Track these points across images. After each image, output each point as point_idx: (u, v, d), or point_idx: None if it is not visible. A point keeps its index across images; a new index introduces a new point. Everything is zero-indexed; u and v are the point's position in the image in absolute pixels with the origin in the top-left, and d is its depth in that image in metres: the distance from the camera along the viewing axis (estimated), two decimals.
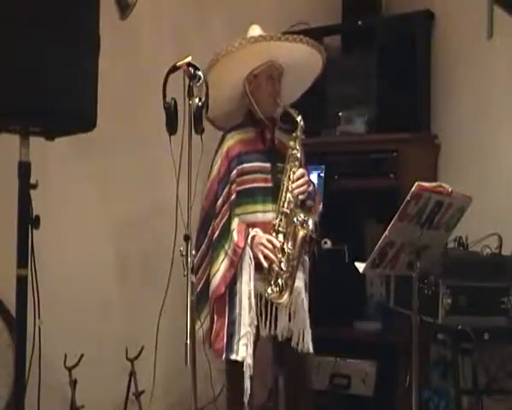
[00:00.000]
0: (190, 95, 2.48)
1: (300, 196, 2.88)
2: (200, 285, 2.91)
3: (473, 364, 3.26)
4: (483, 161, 3.64)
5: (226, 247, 2.86)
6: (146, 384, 3.31)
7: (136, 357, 3.48)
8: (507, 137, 3.52)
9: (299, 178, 2.88)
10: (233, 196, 2.89)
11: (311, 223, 2.81)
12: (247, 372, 2.81)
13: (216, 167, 2.94)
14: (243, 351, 2.81)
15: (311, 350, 2.96)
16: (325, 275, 3.71)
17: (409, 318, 2.84)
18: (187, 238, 2.46)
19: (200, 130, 2.48)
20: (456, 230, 2.98)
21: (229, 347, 2.83)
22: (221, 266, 2.87)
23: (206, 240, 2.92)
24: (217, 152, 2.98)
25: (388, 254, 2.74)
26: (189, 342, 2.34)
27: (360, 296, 3.98)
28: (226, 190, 2.90)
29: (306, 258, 2.99)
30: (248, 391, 2.81)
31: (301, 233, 2.81)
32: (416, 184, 2.63)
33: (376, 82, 3.94)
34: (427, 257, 2.81)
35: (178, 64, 2.48)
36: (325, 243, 3.67)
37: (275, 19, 4.00)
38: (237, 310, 2.85)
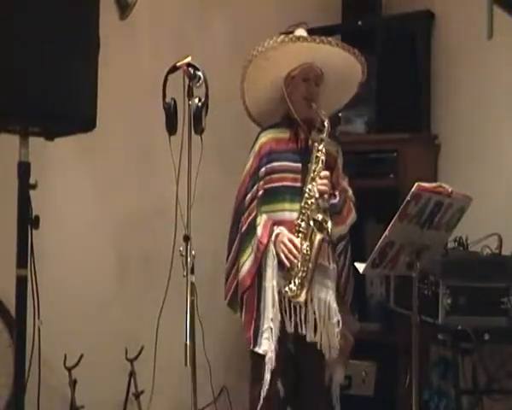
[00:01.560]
0: (190, 95, 2.49)
1: (322, 193, 2.88)
2: (237, 279, 3.02)
3: (473, 364, 3.25)
4: (483, 161, 3.64)
5: (253, 242, 2.94)
6: (146, 384, 3.31)
7: (136, 357, 3.48)
8: (507, 137, 3.52)
9: (322, 179, 2.89)
10: (260, 193, 2.96)
11: (330, 225, 2.83)
12: (269, 365, 2.87)
13: (249, 164, 3.03)
14: (265, 345, 2.88)
15: (332, 356, 3.00)
16: None
17: (409, 318, 2.84)
18: (186, 238, 2.47)
19: (200, 130, 2.49)
20: (456, 230, 2.98)
21: (255, 339, 2.91)
22: (247, 260, 2.96)
23: (238, 234, 3.02)
24: (251, 149, 3.05)
25: (388, 255, 2.74)
26: (188, 342, 2.34)
27: (360, 296, 3.97)
28: (255, 186, 2.97)
29: (335, 266, 3.01)
30: (267, 384, 2.87)
31: (318, 237, 2.84)
32: (416, 184, 2.63)
33: (376, 82, 3.93)
34: (427, 257, 2.81)
35: (178, 64, 2.48)
36: None
37: (274, 19, 4.00)
38: (262, 304, 2.91)
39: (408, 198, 2.63)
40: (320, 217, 2.84)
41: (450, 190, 2.70)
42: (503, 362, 3.22)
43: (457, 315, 3.02)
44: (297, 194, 2.94)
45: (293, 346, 3.01)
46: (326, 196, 2.90)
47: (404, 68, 3.91)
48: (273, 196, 2.96)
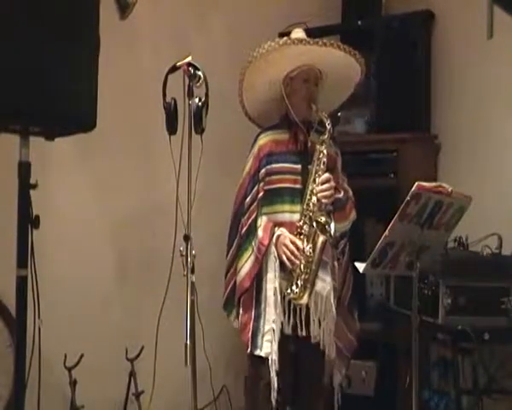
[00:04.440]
0: (190, 95, 2.49)
1: (324, 201, 2.88)
2: (233, 281, 3.00)
3: (473, 364, 3.25)
4: (483, 161, 3.64)
5: (253, 243, 2.92)
6: (146, 384, 3.31)
7: (136, 357, 3.48)
8: (507, 137, 3.51)
9: (323, 183, 2.88)
10: (260, 194, 2.94)
11: (332, 227, 2.84)
12: (273, 368, 2.83)
13: (248, 166, 3.01)
14: (267, 347, 2.85)
15: (332, 356, 3.00)
16: None
17: (409, 318, 2.84)
18: (187, 238, 2.47)
19: (200, 130, 2.49)
20: (456, 230, 2.98)
21: (254, 342, 2.87)
22: (247, 261, 2.93)
23: (237, 236, 3.00)
24: (250, 151, 3.04)
25: (388, 254, 2.74)
26: (188, 342, 2.34)
27: (360, 296, 3.97)
28: (255, 188, 2.96)
29: (336, 264, 3.00)
30: (275, 387, 2.83)
31: (321, 239, 2.83)
32: (416, 184, 2.63)
33: (376, 82, 3.93)
34: (427, 257, 2.81)
35: (178, 64, 2.48)
36: None
37: (274, 19, 4.00)
38: (262, 306, 2.89)
39: (408, 198, 2.63)
40: (323, 219, 2.84)
41: (450, 189, 2.70)
42: (503, 362, 3.22)
43: (457, 315, 3.02)
44: (297, 195, 2.93)
45: (293, 346, 2.99)
46: (327, 200, 2.89)
47: (404, 68, 3.91)
48: (273, 197, 2.95)
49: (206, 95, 2.50)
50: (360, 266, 2.84)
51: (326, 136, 2.92)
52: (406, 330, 2.91)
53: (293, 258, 2.84)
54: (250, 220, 2.95)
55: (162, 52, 3.63)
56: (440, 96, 3.94)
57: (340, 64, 2.98)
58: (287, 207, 2.93)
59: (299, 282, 2.84)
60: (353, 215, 3.07)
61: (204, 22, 3.98)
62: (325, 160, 2.91)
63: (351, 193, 3.07)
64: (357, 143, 3.96)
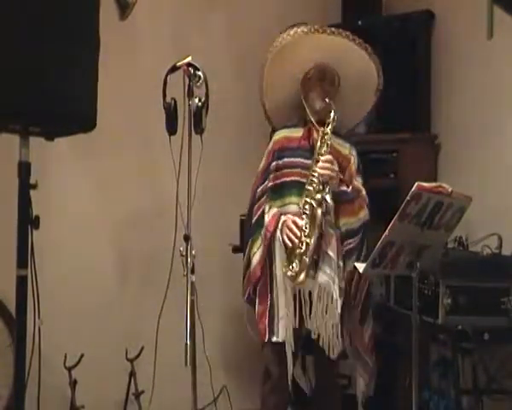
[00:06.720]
0: (190, 95, 2.49)
1: (322, 172, 2.86)
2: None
3: (473, 364, 3.25)
4: (483, 161, 3.64)
5: (262, 232, 2.96)
6: (146, 384, 3.31)
7: (136, 357, 3.48)
8: (507, 137, 3.52)
9: (325, 161, 2.88)
10: (269, 184, 2.99)
11: (328, 198, 2.84)
12: (289, 352, 2.84)
13: (262, 162, 3.08)
14: (283, 332, 2.86)
15: (333, 357, 2.93)
16: None
17: (409, 318, 2.84)
18: (187, 238, 2.47)
19: (200, 130, 2.49)
20: (456, 230, 2.98)
21: (271, 329, 2.89)
22: (258, 251, 2.96)
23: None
24: (267, 148, 3.09)
25: (388, 254, 2.74)
26: (188, 342, 2.35)
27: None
28: (266, 181, 3.01)
29: (342, 263, 2.96)
30: (291, 371, 2.85)
31: (319, 212, 2.83)
32: (416, 184, 2.63)
33: None
34: (427, 257, 2.81)
35: (178, 64, 2.48)
36: None
37: (274, 19, 4.00)
38: (275, 292, 2.92)
39: (408, 198, 2.63)
40: (319, 196, 2.84)
41: (450, 189, 2.70)
42: (503, 362, 3.22)
43: (457, 315, 3.02)
44: (304, 189, 2.92)
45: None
46: (327, 172, 2.87)
47: (404, 68, 3.91)
48: (281, 190, 2.98)
49: (206, 95, 2.50)
50: (360, 266, 2.84)
51: (330, 119, 2.92)
52: (406, 330, 2.91)
53: (291, 235, 2.85)
54: (260, 211, 2.99)
55: (162, 52, 3.62)
56: (440, 96, 3.94)
57: (356, 65, 3.02)
58: (294, 199, 2.95)
59: (296, 260, 2.83)
60: (363, 214, 3.03)
61: (204, 22, 3.98)
62: (329, 142, 2.92)
63: (363, 192, 3.05)
64: (357, 143, 3.94)
